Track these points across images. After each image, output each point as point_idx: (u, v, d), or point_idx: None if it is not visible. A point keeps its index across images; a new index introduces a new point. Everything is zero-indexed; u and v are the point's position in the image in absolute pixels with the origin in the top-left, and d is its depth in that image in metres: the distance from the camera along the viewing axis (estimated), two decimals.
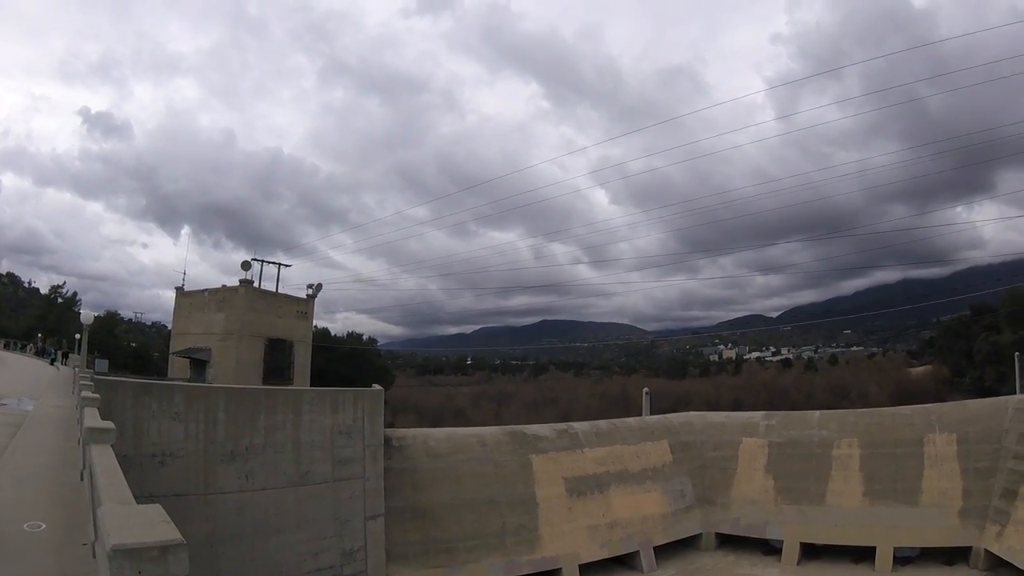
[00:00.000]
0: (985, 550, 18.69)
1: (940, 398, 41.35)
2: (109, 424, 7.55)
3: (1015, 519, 18.08)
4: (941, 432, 20.89)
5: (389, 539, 18.88)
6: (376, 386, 21.04)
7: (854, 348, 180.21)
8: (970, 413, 21.46)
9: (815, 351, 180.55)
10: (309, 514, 17.57)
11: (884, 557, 19.87)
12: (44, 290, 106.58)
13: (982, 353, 58.09)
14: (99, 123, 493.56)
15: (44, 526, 5.45)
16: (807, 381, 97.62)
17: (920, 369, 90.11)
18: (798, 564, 21.10)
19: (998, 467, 19.58)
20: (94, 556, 6.05)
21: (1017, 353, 40.37)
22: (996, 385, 50.97)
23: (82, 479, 8.74)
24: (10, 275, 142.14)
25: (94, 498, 5.82)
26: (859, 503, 21.16)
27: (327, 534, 17.75)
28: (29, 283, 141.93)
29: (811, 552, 21.51)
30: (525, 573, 20.10)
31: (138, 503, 4.65)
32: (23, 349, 71.29)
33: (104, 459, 6.10)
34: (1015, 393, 25.30)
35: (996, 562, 18.34)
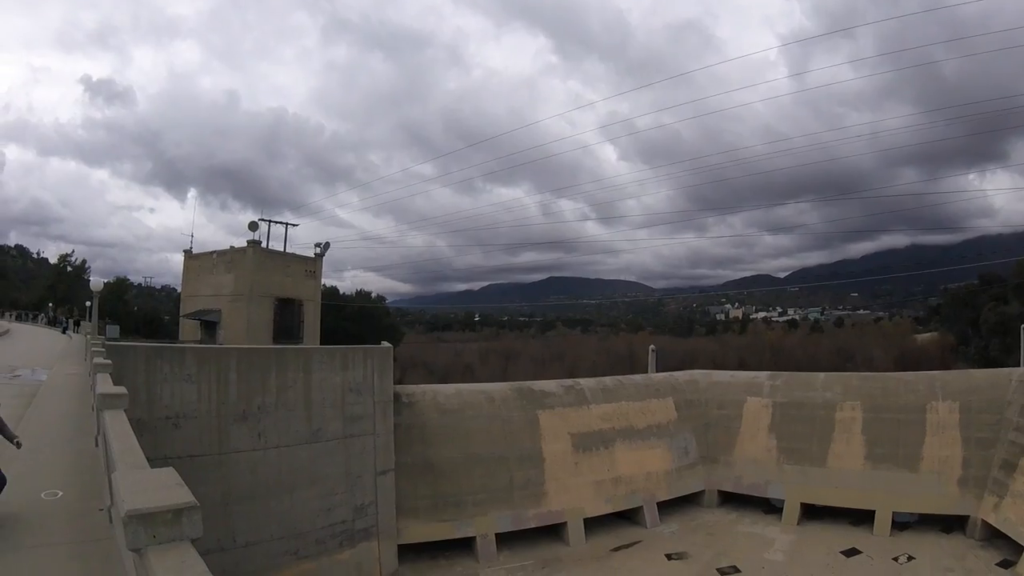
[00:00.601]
0: (982, 520, 18.89)
1: (944, 366, 41.49)
2: (121, 389, 7.71)
3: (1013, 491, 18.19)
4: (944, 400, 21.00)
5: (399, 494, 19.37)
6: (385, 343, 21.22)
7: (860, 312, 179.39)
8: (974, 383, 21.52)
9: (821, 313, 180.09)
10: (321, 471, 17.97)
11: (883, 521, 20.20)
12: (53, 260, 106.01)
13: (988, 323, 57.72)
14: (101, 90, 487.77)
15: (61, 494, 5.59)
16: (812, 343, 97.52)
17: (925, 336, 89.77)
18: (798, 524, 21.51)
19: (999, 438, 19.66)
20: (111, 521, 6.19)
21: (1023, 325, 40.24)
22: (1001, 356, 50.76)
23: (96, 445, 8.94)
24: (18, 247, 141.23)
25: (109, 464, 5.97)
26: (860, 466, 21.43)
27: (339, 490, 18.18)
28: (38, 254, 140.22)
29: (811, 513, 21.90)
30: (531, 526, 20.64)
31: (152, 465, 4.79)
32: (35, 320, 72.06)
33: (117, 424, 6.26)
34: (1020, 365, 25.31)
35: (992, 533, 18.53)
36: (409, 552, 19.32)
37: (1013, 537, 17.41)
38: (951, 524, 19.76)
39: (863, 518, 20.74)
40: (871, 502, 20.69)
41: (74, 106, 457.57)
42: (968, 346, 62.77)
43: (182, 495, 3.22)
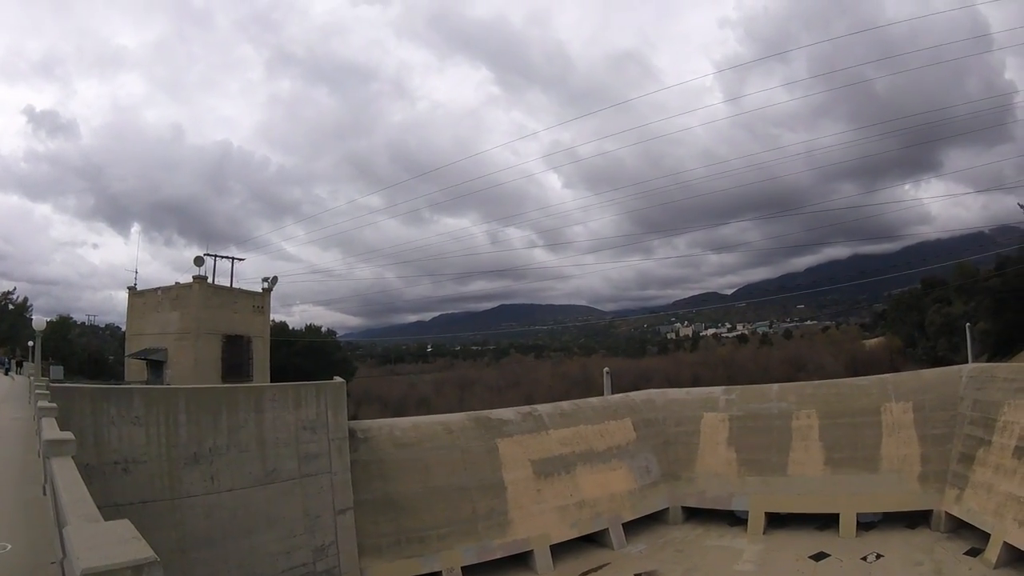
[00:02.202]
0: (946, 512, 19.38)
1: (894, 368, 42.83)
2: (68, 435, 7.29)
3: (973, 482, 18.76)
4: (898, 401, 21.62)
5: (360, 532, 18.80)
6: (338, 378, 20.81)
7: (808, 322, 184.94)
8: (925, 382, 22.21)
9: (770, 326, 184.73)
10: (278, 512, 17.39)
11: (848, 523, 20.50)
12: None
13: (935, 324, 60.22)
14: (44, 122, 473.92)
15: (9, 547, 5.22)
16: (763, 355, 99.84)
17: (873, 341, 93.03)
18: (764, 533, 21.65)
19: (954, 433, 20.32)
20: (63, 575, 5.91)
21: (968, 324, 42.08)
22: (949, 355, 52.94)
23: (44, 494, 8.46)
24: None
25: (59, 514, 5.62)
26: (821, 472, 21.79)
27: (298, 531, 17.59)
28: None
29: (776, 521, 22.07)
30: (498, 556, 20.25)
31: (104, 513, 4.53)
32: None
33: (66, 472, 5.89)
34: (967, 362, 26.37)
35: (957, 524, 19.03)
36: None
37: (978, 525, 17.89)
38: (916, 519, 20.20)
39: (828, 522, 21.01)
40: (835, 505, 20.99)
41: (16, 137, 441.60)
42: (916, 347, 65.23)
43: (140, 549, 3.02)
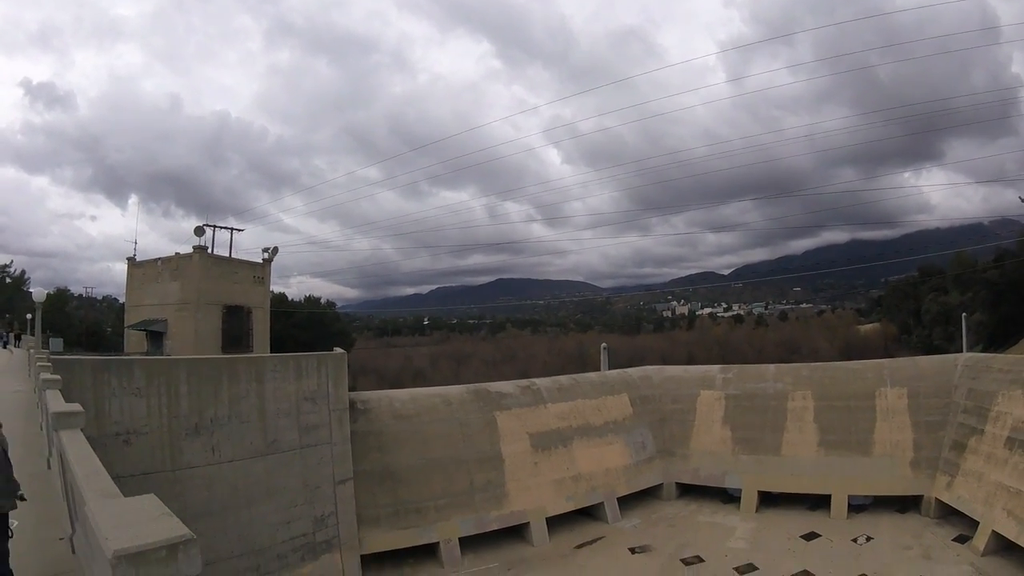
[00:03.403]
0: (936, 499, 19.68)
1: (888, 355, 43.10)
2: (76, 407, 7.30)
3: (964, 470, 19.00)
4: (893, 386, 21.83)
5: (359, 503, 19.00)
6: (338, 349, 20.82)
7: (804, 305, 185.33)
8: (921, 369, 22.41)
9: (765, 308, 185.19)
10: (279, 483, 17.51)
11: (839, 505, 20.83)
12: None
13: (931, 313, 60.47)
14: (41, 94, 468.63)
15: (16, 523, 5.21)
16: (758, 336, 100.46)
17: (868, 327, 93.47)
18: (756, 511, 22.00)
19: (948, 421, 20.58)
20: (73, 552, 5.84)
21: (964, 314, 42.29)
22: (943, 344, 53.31)
23: (49, 467, 8.45)
24: None
25: (67, 488, 5.57)
26: (814, 453, 22.06)
27: (298, 502, 17.74)
28: None
29: (768, 500, 22.39)
30: (494, 529, 20.53)
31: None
32: None
33: (77, 446, 5.86)
34: (962, 351, 26.56)
35: (946, 510, 19.33)
36: (372, 562, 18.95)
37: (967, 513, 18.18)
38: (906, 504, 20.51)
39: (819, 503, 21.33)
40: (826, 487, 21.30)
41: (13, 110, 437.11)
42: (911, 335, 65.56)
43: (174, 527, 2.89)
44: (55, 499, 7.42)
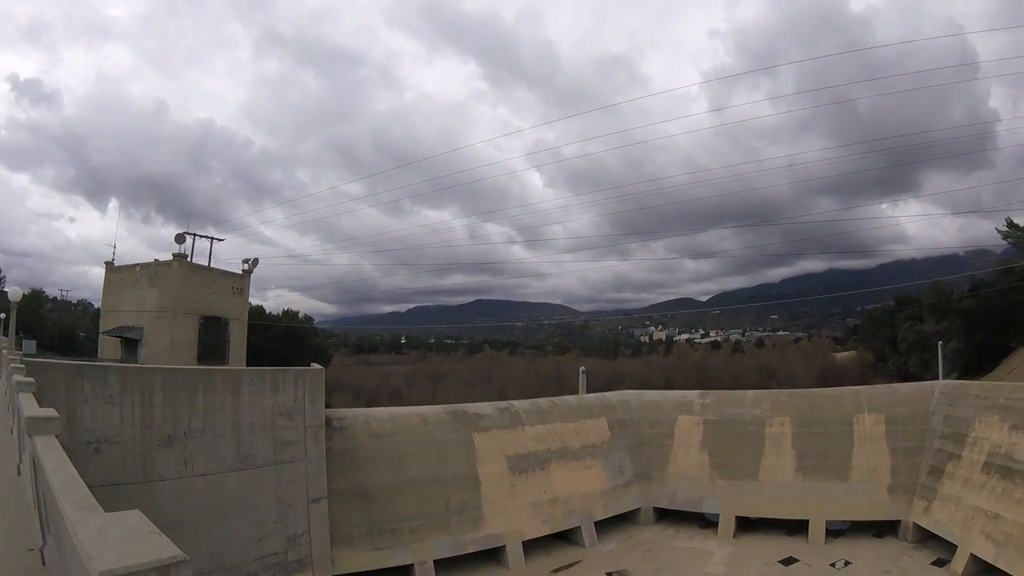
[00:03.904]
0: (914, 523, 19.81)
1: (865, 382, 43.64)
2: (51, 412, 7.09)
3: (941, 495, 19.19)
4: (870, 412, 21.99)
5: (333, 522, 18.66)
6: (316, 365, 20.62)
7: (780, 332, 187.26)
8: (898, 396, 22.66)
9: (743, 334, 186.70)
10: (252, 499, 17.18)
11: (817, 529, 20.84)
12: None
13: (907, 341, 61.46)
14: (28, 90, 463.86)
15: None
16: (736, 362, 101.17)
17: (845, 354, 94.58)
18: (734, 536, 21.92)
19: (925, 446, 20.78)
20: (43, 564, 5.66)
21: (940, 342, 42.96)
22: (919, 371, 54.09)
23: (19, 473, 8.19)
24: None
25: (39, 497, 5.39)
26: (792, 478, 22.10)
27: (271, 519, 17.40)
28: None
29: (746, 525, 22.38)
30: (470, 551, 20.26)
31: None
32: None
33: (52, 454, 5.67)
34: (939, 379, 26.97)
35: (924, 535, 19.47)
36: None
37: (945, 537, 18.31)
38: (884, 529, 20.60)
39: (797, 528, 21.33)
40: (804, 512, 21.30)
41: None
42: (887, 363, 66.54)
43: (163, 546, 2.72)
44: (25, 507, 7.20)
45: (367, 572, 18.94)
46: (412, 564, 19.24)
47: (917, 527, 19.71)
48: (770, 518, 22.03)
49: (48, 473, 4.98)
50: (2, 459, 9.51)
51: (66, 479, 4.70)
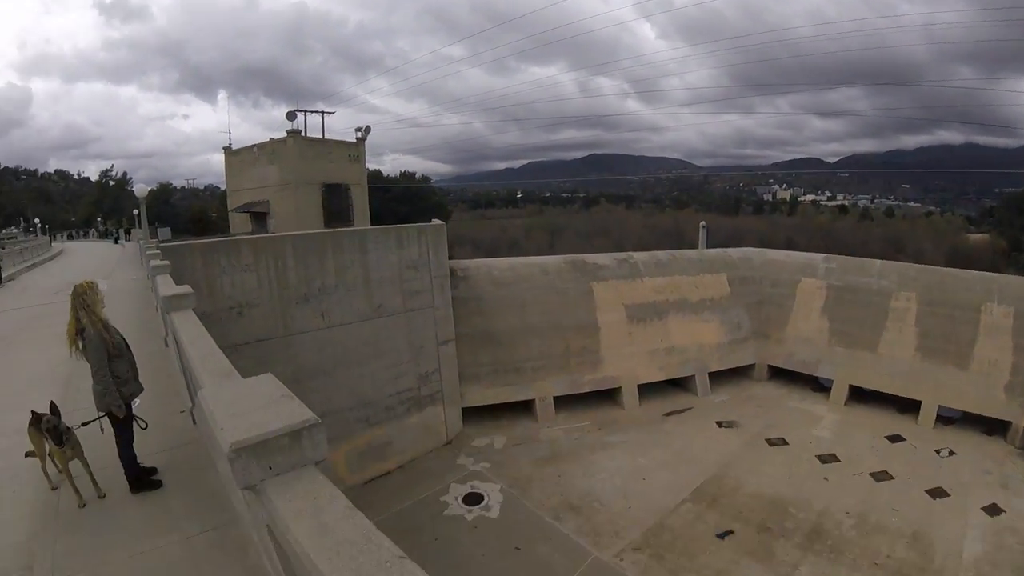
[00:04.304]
0: None
1: (996, 269, 39.85)
2: (186, 288, 7.52)
3: None
4: (1000, 304, 20.33)
5: (461, 362, 20.21)
6: (437, 220, 21.33)
7: (911, 204, 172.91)
8: None
9: (872, 201, 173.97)
10: (386, 344, 18.63)
11: (928, 413, 20.25)
12: (94, 178, 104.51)
13: None
14: (116, 11, 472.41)
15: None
16: (863, 230, 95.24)
17: (977, 236, 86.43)
18: (845, 405, 21.81)
19: None
20: (194, 423, 6.35)
21: None
22: None
23: (167, 346, 9.05)
24: (58, 172, 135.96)
25: (184, 366, 5.80)
26: (911, 356, 21.27)
27: (404, 359, 18.96)
28: (78, 174, 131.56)
29: (858, 395, 22.07)
30: (587, 390, 21.46)
31: (226, 353, 4.58)
32: (86, 236, 73.89)
33: (190, 326, 5.98)
34: None
35: None
36: (473, 415, 20.45)
37: None
38: (993, 427, 19.56)
39: (908, 407, 20.84)
40: (918, 393, 20.67)
41: (91, 30, 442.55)
42: (1021, 253, 60.77)
43: (295, 411, 2.64)
44: (174, 375, 7.86)
45: (493, 406, 20.62)
46: (534, 399, 20.72)
47: None
48: (884, 392, 21.49)
49: (186, 346, 5.25)
50: (152, 335, 10.43)
51: (204, 351, 4.85)
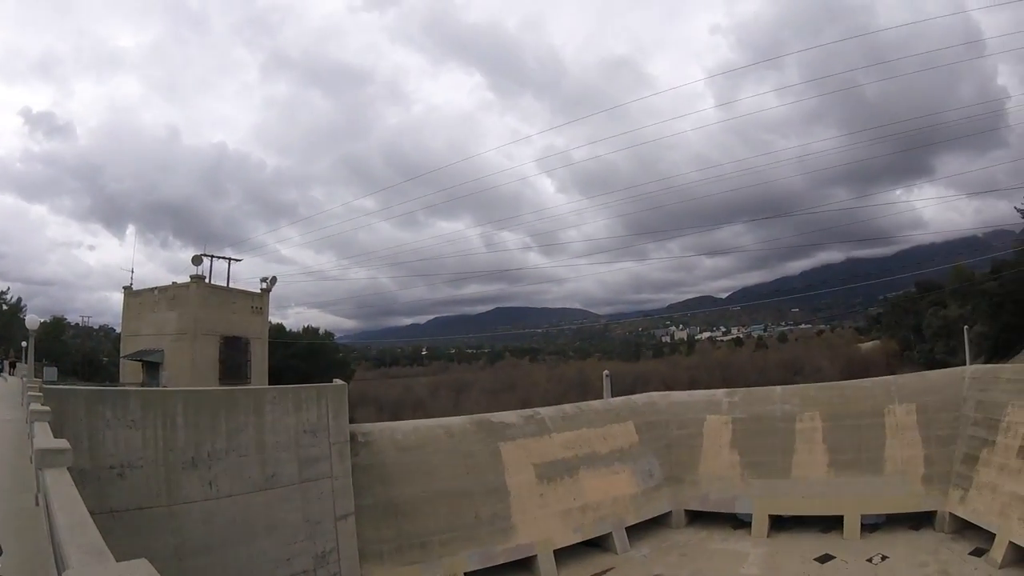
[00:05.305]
0: (950, 513, 19.36)
1: (891, 371, 42.74)
2: (63, 443, 6.80)
3: (977, 483, 18.76)
4: (901, 403, 21.58)
5: (361, 538, 18.51)
6: (338, 381, 20.51)
7: (802, 326, 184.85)
8: (929, 384, 22.24)
9: (764, 330, 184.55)
10: (278, 518, 17.08)
11: (852, 525, 20.41)
12: None
13: (932, 327, 60.25)
14: (41, 123, 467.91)
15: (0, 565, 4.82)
16: (760, 358, 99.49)
17: (869, 344, 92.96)
18: (768, 536, 21.54)
19: (958, 434, 20.33)
20: None
21: (965, 326, 42.08)
22: (946, 358, 52.94)
23: (37, 504, 8.07)
24: None
25: (53, 531, 5.21)
26: (824, 474, 21.72)
27: (298, 538, 17.29)
28: None
29: (780, 524, 21.96)
30: (501, 562, 19.99)
31: (98, 520, 4.17)
32: None
33: (62, 488, 5.42)
34: (966, 364, 26.39)
35: (961, 524, 19.00)
36: None
37: (983, 526, 17.90)
38: (920, 520, 20.13)
39: (832, 524, 20.94)
40: (839, 508, 20.92)
41: (13, 138, 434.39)
42: (912, 351, 65.21)
43: None
44: (42, 539, 7.01)
45: None
46: None
47: (954, 517, 19.28)
48: (804, 515, 21.62)
49: (55, 512, 4.68)
50: (22, 489, 9.40)
51: (74, 519, 4.38)
